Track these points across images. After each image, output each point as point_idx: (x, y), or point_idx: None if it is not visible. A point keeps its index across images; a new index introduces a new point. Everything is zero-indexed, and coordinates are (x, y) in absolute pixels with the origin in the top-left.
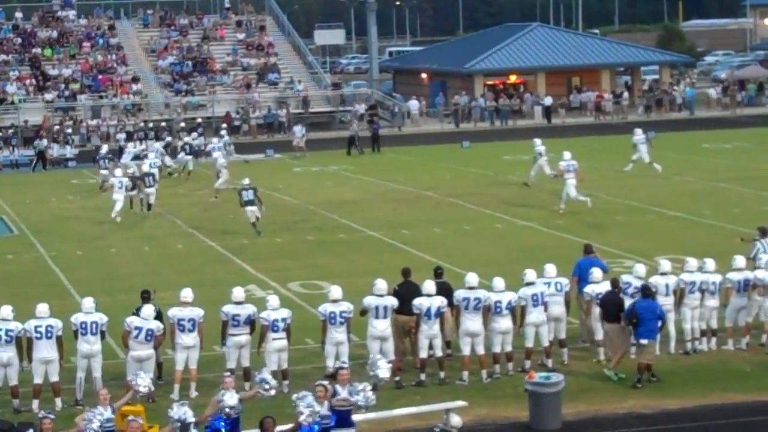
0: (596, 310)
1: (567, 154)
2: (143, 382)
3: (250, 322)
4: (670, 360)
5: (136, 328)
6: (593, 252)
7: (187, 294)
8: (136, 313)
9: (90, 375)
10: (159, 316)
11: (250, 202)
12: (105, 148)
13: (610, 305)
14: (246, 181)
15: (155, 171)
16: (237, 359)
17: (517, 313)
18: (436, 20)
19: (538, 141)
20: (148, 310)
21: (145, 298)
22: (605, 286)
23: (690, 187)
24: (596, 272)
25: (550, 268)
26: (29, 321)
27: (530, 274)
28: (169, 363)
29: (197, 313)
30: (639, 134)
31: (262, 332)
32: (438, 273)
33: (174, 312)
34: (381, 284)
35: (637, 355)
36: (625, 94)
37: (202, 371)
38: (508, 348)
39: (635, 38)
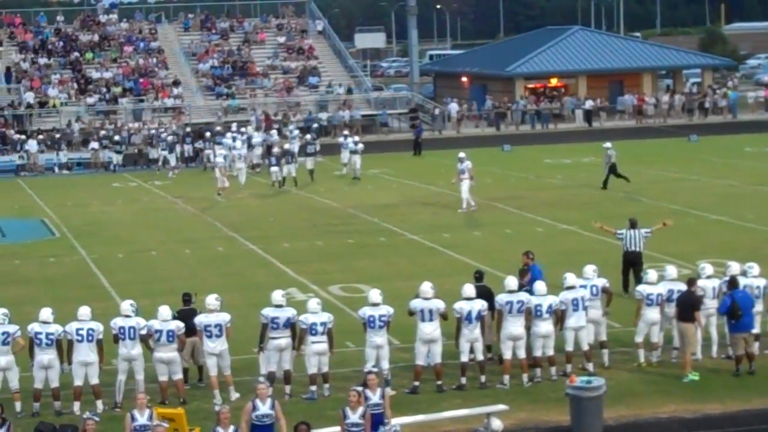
0: (647, 312)
1: (462, 154)
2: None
3: (290, 325)
4: (713, 364)
5: (156, 331)
6: None
7: (211, 301)
8: (177, 316)
9: (132, 378)
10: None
11: (312, 154)
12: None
13: (686, 305)
14: (309, 136)
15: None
16: (278, 362)
17: (558, 317)
18: (476, 24)
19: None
20: (165, 311)
21: (186, 300)
22: (659, 289)
23: (733, 190)
24: (651, 273)
25: (588, 269)
26: (70, 323)
27: (570, 278)
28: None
29: (223, 318)
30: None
31: (301, 335)
32: (478, 277)
33: (201, 319)
34: (426, 287)
35: (746, 346)
36: (665, 98)
37: (240, 374)
38: (550, 352)
39: (677, 41)
